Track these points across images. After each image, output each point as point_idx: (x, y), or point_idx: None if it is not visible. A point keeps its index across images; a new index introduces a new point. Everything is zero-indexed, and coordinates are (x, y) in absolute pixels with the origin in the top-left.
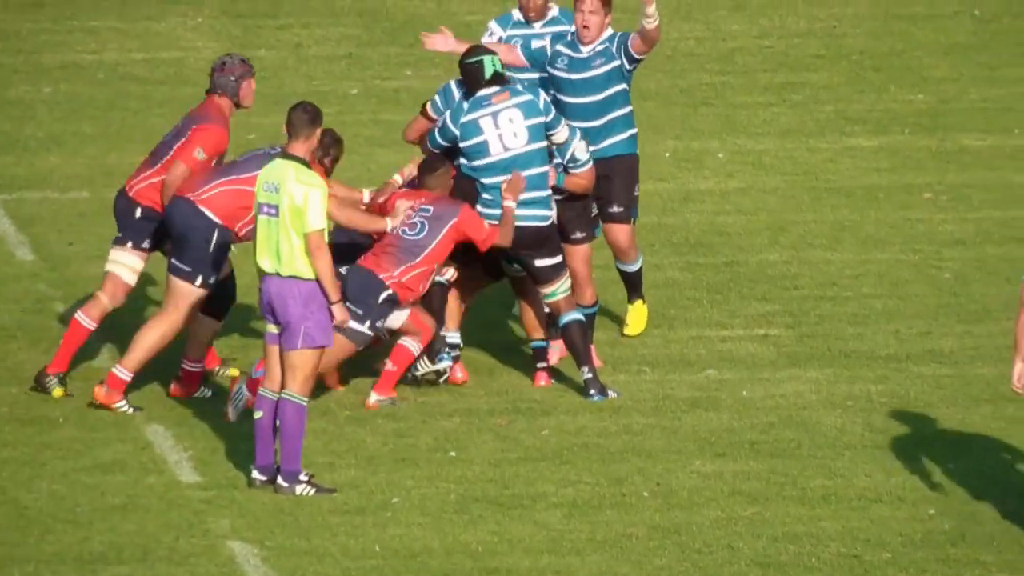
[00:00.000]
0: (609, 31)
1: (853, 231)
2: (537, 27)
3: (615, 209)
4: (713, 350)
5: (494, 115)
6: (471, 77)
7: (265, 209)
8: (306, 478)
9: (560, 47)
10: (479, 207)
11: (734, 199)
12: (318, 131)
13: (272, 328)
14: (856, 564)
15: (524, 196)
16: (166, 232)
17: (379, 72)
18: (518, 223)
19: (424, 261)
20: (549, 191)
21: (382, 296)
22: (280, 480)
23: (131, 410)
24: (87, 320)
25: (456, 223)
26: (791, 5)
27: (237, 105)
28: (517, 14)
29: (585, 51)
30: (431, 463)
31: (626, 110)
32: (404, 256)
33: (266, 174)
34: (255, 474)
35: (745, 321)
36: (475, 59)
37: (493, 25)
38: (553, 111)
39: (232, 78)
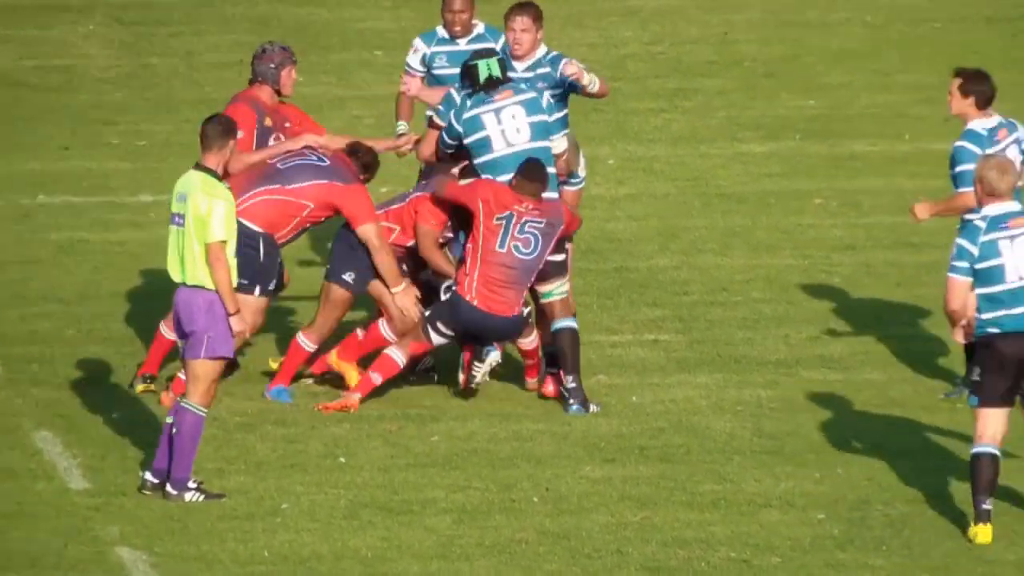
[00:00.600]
0: (544, 48)
1: (744, 236)
2: (462, 44)
3: None
4: (603, 355)
5: (496, 111)
6: (469, 79)
7: (175, 219)
8: (195, 485)
9: None
10: None
11: (625, 205)
12: (231, 143)
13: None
14: (745, 568)
15: None
16: None
17: None
18: None
19: (538, 273)
20: (553, 190)
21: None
22: (169, 487)
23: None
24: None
25: (564, 229)
26: (683, 12)
27: (278, 93)
28: (442, 31)
29: (520, 68)
30: (321, 469)
31: (564, 132)
32: (525, 278)
33: (178, 184)
34: (147, 476)
35: (635, 326)
36: (473, 62)
37: (418, 42)
38: (555, 115)
39: (272, 65)
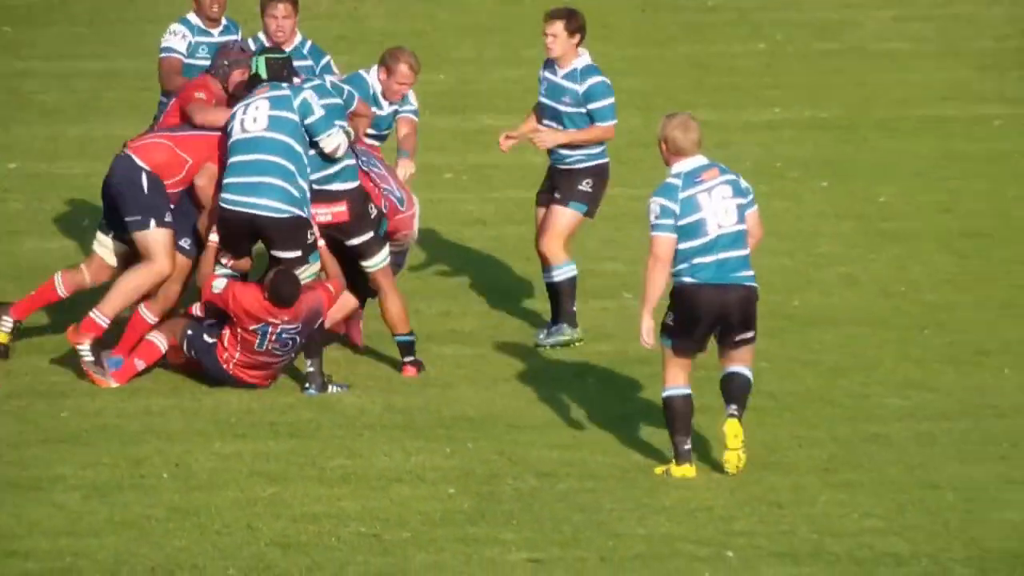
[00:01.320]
0: (300, 36)
1: None
2: (216, 34)
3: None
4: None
5: (247, 104)
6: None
7: None
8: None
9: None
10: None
11: None
12: None
13: None
14: (376, 543)
15: (253, 179)
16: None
17: None
18: (246, 210)
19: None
20: (292, 186)
21: None
22: None
23: (91, 357)
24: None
25: (327, 304)
26: None
27: (226, 91)
28: (194, 18)
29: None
30: None
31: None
32: (284, 364)
33: None
34: None
35: None
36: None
37: (178, 27)
38: (318, 114)
39: (226, 62)
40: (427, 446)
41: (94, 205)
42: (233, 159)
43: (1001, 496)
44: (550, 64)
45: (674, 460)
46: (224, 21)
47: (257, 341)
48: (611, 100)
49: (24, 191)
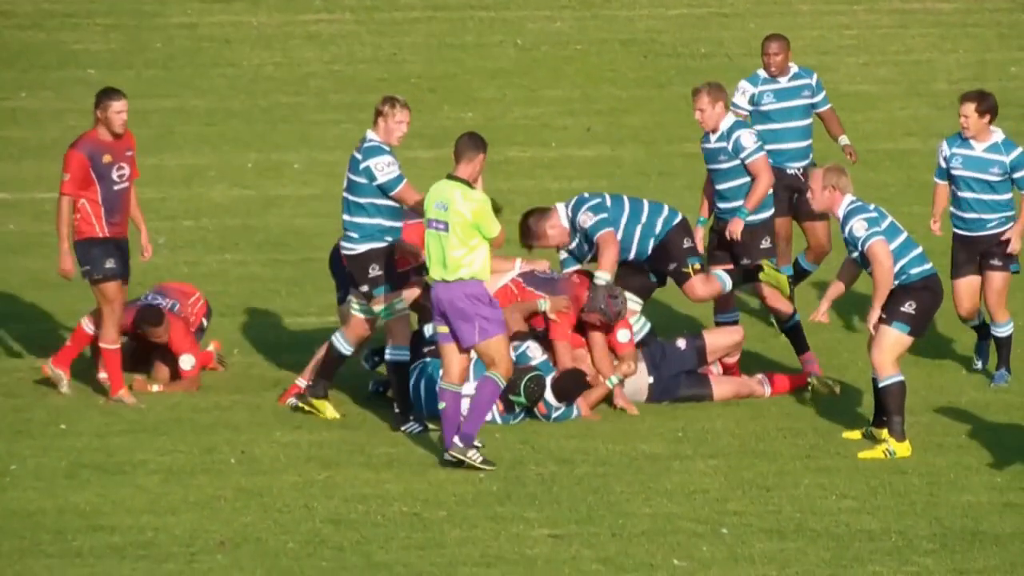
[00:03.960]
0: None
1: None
2: (784, 81)
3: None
4: (292, 336)
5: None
6: None
7: (434, 224)
8: (480, 444)
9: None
10: None
11: (309, 204)
12: (481, 156)
13: (443, 329)
14: (416, 520)
15: None
16: None
17: None
18: None
19: None
20: None
21: None
22: (456, 439)
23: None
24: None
25: None
26: (357, 35)
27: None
28: (762, 71)
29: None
30: (45, 435)
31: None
32: None
33: (434, 194)
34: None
35: (319, 309)
36: None
37: (744, 84)
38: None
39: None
40: None
41: (167, 224)
42: None
43: (959, 481)
44: None
45: (896, 438)
46: (794, 69)
47: None
48: None
49: None
